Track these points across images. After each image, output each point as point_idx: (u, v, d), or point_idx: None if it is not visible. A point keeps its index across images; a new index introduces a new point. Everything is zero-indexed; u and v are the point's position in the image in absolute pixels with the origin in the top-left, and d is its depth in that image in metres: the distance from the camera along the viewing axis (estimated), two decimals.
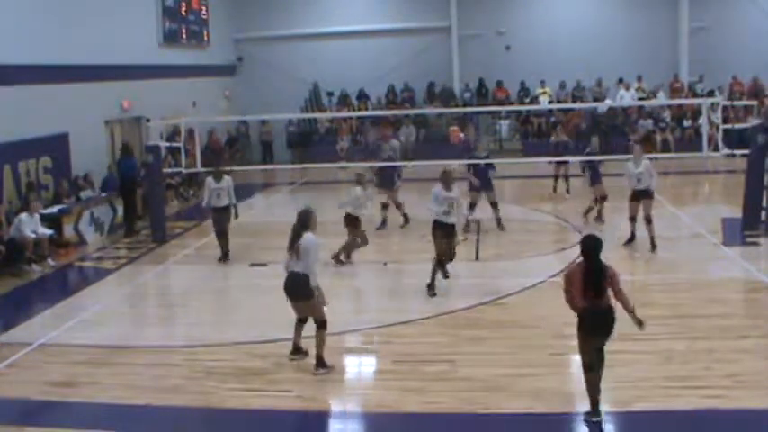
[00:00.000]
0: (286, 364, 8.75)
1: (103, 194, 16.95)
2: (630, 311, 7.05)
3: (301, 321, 8.78)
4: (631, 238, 13.18)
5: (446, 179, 11.06)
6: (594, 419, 7.07)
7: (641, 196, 12.88)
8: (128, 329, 10.50)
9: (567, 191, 18.15)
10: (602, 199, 14.99)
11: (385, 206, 15.53)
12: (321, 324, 8.49)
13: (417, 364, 8.57)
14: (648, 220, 12.86)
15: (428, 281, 11.04)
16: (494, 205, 14.94)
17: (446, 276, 11.29)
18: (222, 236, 13.64)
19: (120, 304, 11.79)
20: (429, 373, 8.32)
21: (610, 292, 7.04)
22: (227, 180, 13.48)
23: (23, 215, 13.64)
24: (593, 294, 6.93)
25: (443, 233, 11.01)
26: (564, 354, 8.65)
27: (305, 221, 8.45)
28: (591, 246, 7.05)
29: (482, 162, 14.86)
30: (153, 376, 8.58)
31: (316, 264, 8.41)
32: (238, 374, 8.53)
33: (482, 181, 14.82)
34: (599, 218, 15.07)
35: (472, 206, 14.82)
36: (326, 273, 12.59)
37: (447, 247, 11.08)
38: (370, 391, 8.20)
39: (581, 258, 7.10)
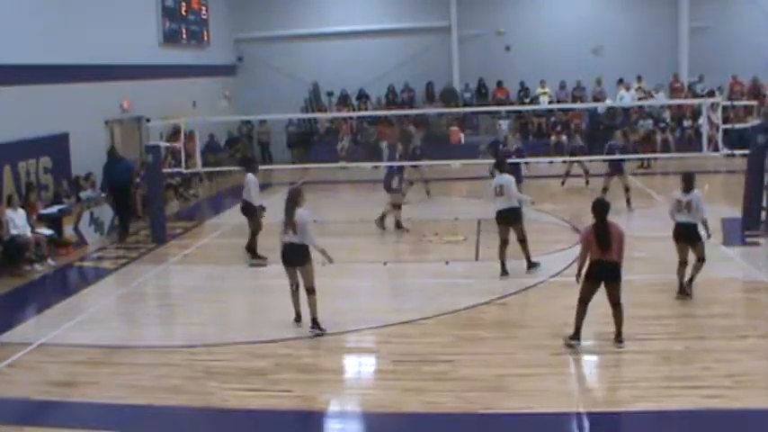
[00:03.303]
0: (286, 363, 8.76)
1: (103, 194, 16.91)
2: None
3: (297, 289, 9.71)
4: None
5: (500, 162, 12.32)
6: (573, 343, 8.68)
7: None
8: (128, 329, 10.51)
9: (587, 183, 18.96)
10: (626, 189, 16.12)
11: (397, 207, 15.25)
12: (311, 290, 9.55)
13: (417, 364, 8.57)
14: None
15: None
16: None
17: (503, 272, 11.71)
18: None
19: (120, 304, 11.79)
20: (429, 373, 8.32)
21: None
22: None
23: (8, 211, 13.61)
24: (601, 249, 8.49)
25: (497, 220, 11.80)
26: (564, 354, 8.66)
27: (294, 198, 9.53)
28: (600, 209, 8.66)
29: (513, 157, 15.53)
30: (153, 376, 8.58)
31: (314, 233, 9.53)
32: (238, 374, 8.53)
33: (514, 175, 15.28)
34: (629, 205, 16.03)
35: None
36: (326, 272, 12.62)
37: (504, 232, 11.75)
38: (369, 391, 8.20)
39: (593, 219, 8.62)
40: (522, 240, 11.84)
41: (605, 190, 15.82)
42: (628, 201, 16.03)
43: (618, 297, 8.67)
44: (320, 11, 27.21)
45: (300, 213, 9.45)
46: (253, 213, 13.38)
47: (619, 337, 8.74)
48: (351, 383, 8.64)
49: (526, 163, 16.15)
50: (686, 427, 7.10)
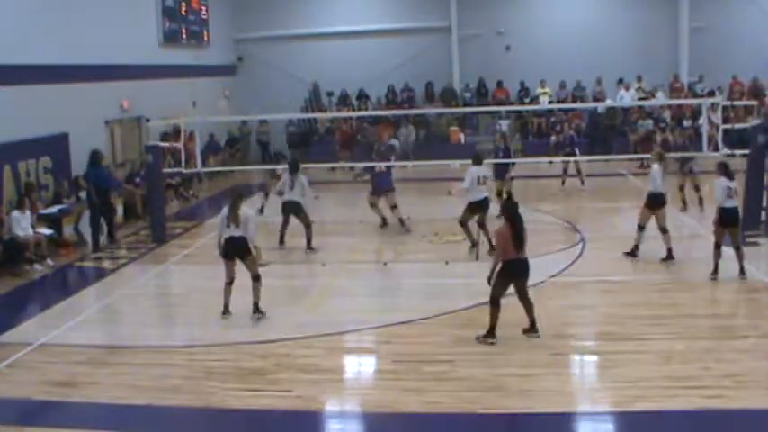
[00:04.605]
0: (286, 363, 8.76)
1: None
2: None
3: (231, 283, 10.34)
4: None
5: (478, 157, 13.47)
6: (490, 341, 8.95)
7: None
8: (128, 329, 10.49)
9: (582, 183, 19.09)
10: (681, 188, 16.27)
11: (393, 207, 15.23)
12: (256, 278, 10.25)
13: (417, 364, 8.56)
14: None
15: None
16: (499, 195, 15.93)
17: (472, 244, 13.33)
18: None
19: (119, 304, 11.78)
20: (429, 373, 8.32)
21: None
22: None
23: (15, 212, 13.60)
24: (517, 248, 8.88)
25: (480, 207, 13.13)
26: (564, 354, 8.67)
27: (240, 196, 10.45)
28: (515, 210, 9.02)
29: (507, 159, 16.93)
30: (153, 376, 8.57)
31: (255, 230, 10.32)
32: (238, 374, 8.53)
33: (501, 173, 16.62)
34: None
35: (499, 194, 15.92)
36: (326, 273, 12.62)
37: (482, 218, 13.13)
38: (369, 391, 8.20)
39: (505, 221, 9.01)
40: (484, 225, 13.10)
41: (681, 188, 16.25)
42: (683, 200, 16.26)
43: (527, 290, 9.13)
44: (320, 11, 27.21)
45: (244, 210, 10.25)
46: (302, 209, 14.13)
47: (534, 327, 9.12)
48: (351, 383, 8.64)
49: (513, 163, 17.11)
50: (686, 427, 7.10)
